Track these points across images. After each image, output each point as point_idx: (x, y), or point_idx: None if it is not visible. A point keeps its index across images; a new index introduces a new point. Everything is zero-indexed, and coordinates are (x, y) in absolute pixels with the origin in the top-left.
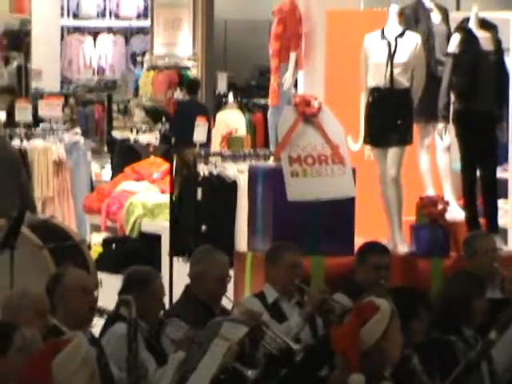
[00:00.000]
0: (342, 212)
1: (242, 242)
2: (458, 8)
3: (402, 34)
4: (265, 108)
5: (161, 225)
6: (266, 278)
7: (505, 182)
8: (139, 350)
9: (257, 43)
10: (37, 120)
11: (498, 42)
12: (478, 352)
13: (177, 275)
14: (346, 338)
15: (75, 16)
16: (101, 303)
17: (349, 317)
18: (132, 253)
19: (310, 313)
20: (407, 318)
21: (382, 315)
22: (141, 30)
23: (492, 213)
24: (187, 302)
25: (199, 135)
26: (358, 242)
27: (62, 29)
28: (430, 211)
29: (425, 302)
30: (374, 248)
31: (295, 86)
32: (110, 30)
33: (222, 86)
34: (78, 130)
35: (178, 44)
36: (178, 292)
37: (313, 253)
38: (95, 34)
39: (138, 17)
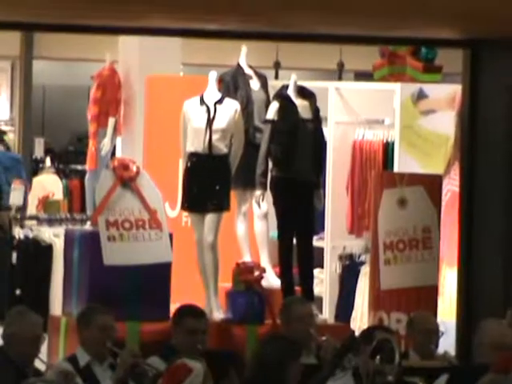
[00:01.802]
0: (158, 277)
1: (56, 306)
2: (276, 77)
3: (220, 101)
4: (82, 174)
5: None
6: (79, 341)
7: (321, 250)
8: None
9: (75, 109)
10: None
11: (316, 111)
12: None
13: None
14: None
15: None
16: None
17: (162, 379)
18: None
19: (122, 376)
20: (217, 378)
21: (196, 377)
22: None
23: (308, 281)
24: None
25: (15, 198)
26: (175, 307)
27: None
28: (246, 278)
29: (235, 362)
30: (190, 312)
31: (113, 151)
32: None
33: (39, 151)
34: None
35: None
36: None
37: (129, 318)
38: None
39: None
